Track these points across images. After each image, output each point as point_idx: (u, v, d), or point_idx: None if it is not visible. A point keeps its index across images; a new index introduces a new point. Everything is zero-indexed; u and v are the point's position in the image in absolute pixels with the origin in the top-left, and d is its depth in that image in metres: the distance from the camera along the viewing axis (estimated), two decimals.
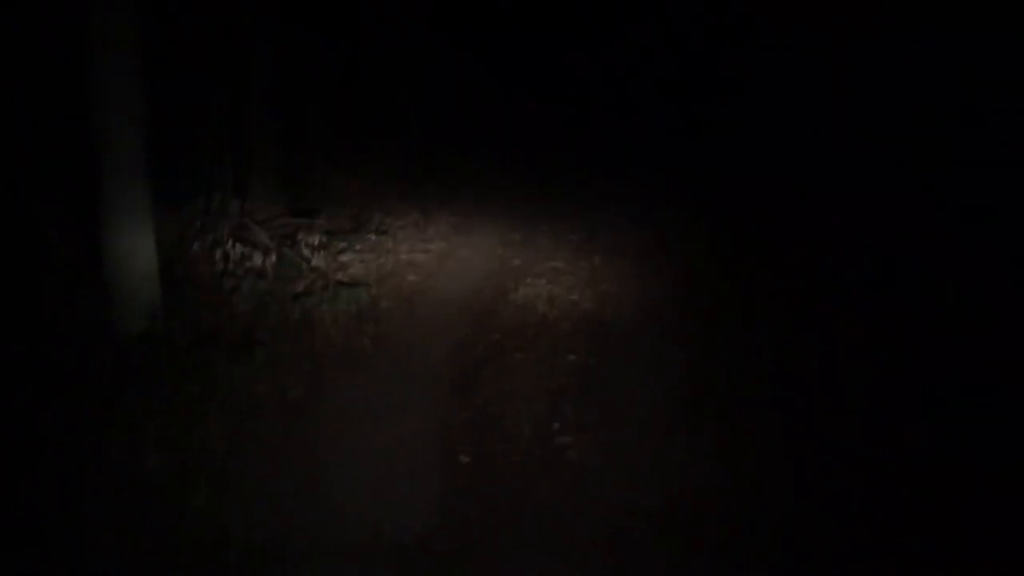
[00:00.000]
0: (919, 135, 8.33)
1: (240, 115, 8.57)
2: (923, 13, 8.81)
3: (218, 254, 6.89)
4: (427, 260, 8.19)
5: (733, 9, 12.89)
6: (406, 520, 3.67)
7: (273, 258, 7.11)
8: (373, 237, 8.76)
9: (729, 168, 11.05)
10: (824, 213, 8.44)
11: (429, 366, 5.53)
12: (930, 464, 4.03)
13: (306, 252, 7.45)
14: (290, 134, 9.05)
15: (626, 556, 3.41)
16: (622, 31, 14.53)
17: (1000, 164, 7.39)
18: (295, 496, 3.84)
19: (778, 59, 11.55)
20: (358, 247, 8.32)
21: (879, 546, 3.45)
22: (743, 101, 12.31)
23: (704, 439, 4.40)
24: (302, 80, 9.20)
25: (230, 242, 6.99)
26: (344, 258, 7.88)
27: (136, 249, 5.43)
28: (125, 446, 4.11)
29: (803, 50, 10.86)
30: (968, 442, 4.21)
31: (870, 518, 3.64)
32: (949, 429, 4.32)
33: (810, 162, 9.85)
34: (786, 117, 11.05)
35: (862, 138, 9.34)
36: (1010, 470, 3.98)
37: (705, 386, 5.12)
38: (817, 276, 7.04)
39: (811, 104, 10.66)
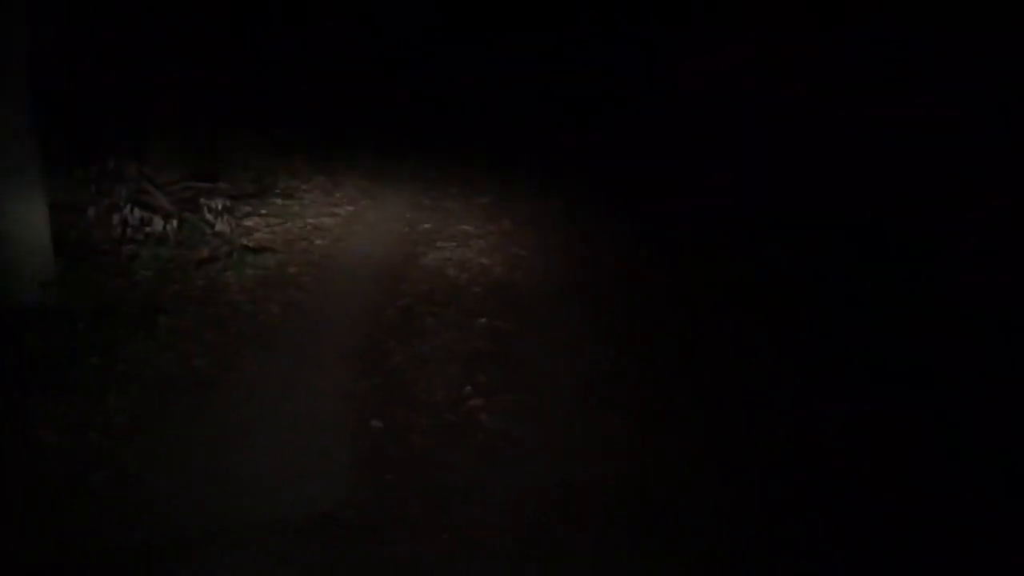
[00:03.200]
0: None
1: (137, 76, 8.23)
2: None
3: (116, 219, 6.64)
4: (335, 224, 8.07)
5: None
6: (319, 490, 3.64)
7: (175, 223, 6.88)
8: (279, 201, 8.58)
9: (640, 145, 11.21)
10: (733, 188, 8.63)
11: (339, 332, 5.47)
12: (847, 444, 4.13)
13: (209, 217, 7.21)
14: (188, 97, 8.73)
15: (538, 524, 3.45)
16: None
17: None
18: (203, 470, 3.75)
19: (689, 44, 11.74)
20: (263, 211, 8.14)
21: (798, 524, 3.50)
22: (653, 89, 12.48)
23: (616, 407, 4.46)
24: (200, 45, 8.84)
25: (129, 207, 6.73)
26: (249, 223, 7.69)
27: (26, 213, 5.18)
28: (18, 424, 3.94)
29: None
30: (884, 425, 4.32)
31: (788, 497, 3.69)
32: (866, 412, 4.43)
33: (717, 144, 10.04)
34: (693, 102, 11.24)
35: (770, 122, 9.53)
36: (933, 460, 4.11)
37: (616, 353, 5.20)
38: (728, 252, 7.20)
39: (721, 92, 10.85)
